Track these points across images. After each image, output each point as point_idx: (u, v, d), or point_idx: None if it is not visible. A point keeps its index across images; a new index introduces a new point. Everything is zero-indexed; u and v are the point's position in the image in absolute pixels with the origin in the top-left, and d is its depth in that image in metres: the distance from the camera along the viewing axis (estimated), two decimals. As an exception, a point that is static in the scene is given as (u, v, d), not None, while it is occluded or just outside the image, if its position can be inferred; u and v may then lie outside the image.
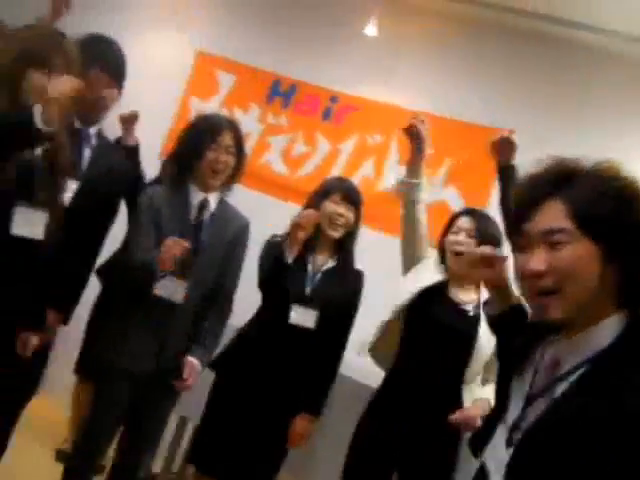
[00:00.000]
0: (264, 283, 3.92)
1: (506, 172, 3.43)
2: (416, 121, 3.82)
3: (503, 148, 3.46)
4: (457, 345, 3.76)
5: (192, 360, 3.72)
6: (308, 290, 3.93)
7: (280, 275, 3.84)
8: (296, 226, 3.78)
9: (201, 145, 3.69)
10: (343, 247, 4.05)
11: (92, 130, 3.63)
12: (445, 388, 3.75)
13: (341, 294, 3.98)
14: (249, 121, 5.79)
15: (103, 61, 3.58)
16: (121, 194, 3.94)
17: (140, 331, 3.63)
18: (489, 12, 5.27)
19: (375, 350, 4.00)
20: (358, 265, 4.12)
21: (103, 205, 3.77)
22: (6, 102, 2.83)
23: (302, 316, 3.87)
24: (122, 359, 3.61)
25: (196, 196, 3.75)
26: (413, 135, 3.84)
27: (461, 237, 3.83)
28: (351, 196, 4.02)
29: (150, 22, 6.32)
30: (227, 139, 3.75)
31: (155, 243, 3.57)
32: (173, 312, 3.65)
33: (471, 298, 3.84)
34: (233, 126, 3.84)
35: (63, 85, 2.76)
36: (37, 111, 2.69)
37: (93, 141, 3.59)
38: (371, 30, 5.60)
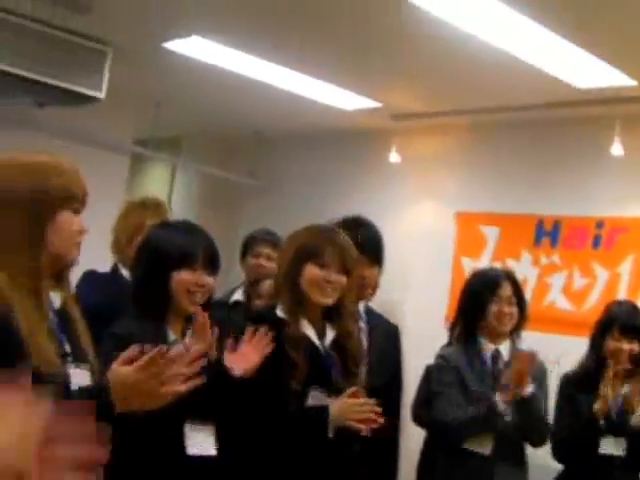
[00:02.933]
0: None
1: None
2: None
3: None
4: None
5: None
6: (614, 417, 4.04)
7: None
8: None
9: (483, 300, 3.97)
10: (636, 372, 4.13)
11: (361, 306, 3.93)
12: None
13: None
14: (523, 267, 6.06)
15: (361, 244, 3.88)
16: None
17: None
18: None
19: None
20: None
21: (392, 379, 4.04)
22: (291, 295, 3.19)
23: (614, 445, 4.01)
24: None
25: (487, 348, 4.02)
26: None
27: None
28: (630, 326, 4.14)
29: (408, 194, 6.84)
30: (507, 290, 4.01)
31: (463, 399, 3.90)
32: (487, 463, 3.87)
33: None
34: (510, 276, 4.10)
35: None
36: None
37: (364, 317, 3.87)
38: (617, 149, 5.76)
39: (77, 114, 6.03)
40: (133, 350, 2.19)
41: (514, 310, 4.01)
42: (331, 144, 7.27)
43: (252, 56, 5.52)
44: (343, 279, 3.21)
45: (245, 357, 2.93)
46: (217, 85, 6.21)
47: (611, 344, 4.11)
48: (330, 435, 3.06)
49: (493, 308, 3.97)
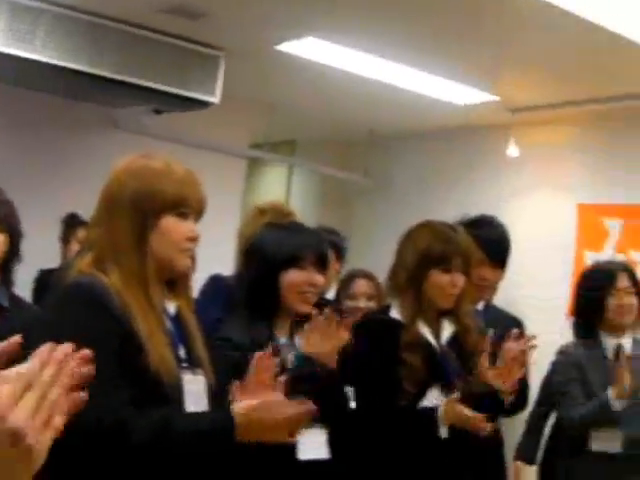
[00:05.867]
0: None
1: None
2: None
3: None
4: None
5: None
6: None
7: None
8: None
9: (600, 294, 3.99)
10: None
11: (480, 305, 4.00)
12: None
13: None
14: (647, 259, 6.03)
15: (488, 246, 3.93)
16: None
17: None
18: None
19: None
20: None
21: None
22: (412, 300, 3.24)
23: None
24: None
25: (609, 343, 4.02)
26: None
27: None
28: None
29: (527, 188, 6.88)
30: (624, 282, 4.01)
31: (584, 395, 3.92)
32: (617, 460, 3.87)
33: None
34: (626, 268, 4.11)
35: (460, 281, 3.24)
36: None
37: (482, 315, 3.88)
38: None
39: (193, 119, 6.25)
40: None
41: (634, 301, 4.00)
42: (445, 140, 7.35)
43: (365, 54, 5.60)
44: (464, 279, 3.27)
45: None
46: (331, 85, 6.33)
47: None
48: (444, 435, 3.10)
49: (611, 301, 3.98)
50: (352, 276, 4.80)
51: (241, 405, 2.19)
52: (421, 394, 3.14)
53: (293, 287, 2.89)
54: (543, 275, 6.44)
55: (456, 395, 3.07)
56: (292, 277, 2.89)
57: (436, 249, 3.23)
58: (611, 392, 3.76)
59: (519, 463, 4.73)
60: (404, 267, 3.29)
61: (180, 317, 2.35)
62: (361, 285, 4.65)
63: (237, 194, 7.13)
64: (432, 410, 3.10)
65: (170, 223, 2.25)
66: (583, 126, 6.68)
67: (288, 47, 5.62)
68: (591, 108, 6.33)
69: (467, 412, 3.04)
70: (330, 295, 4.88)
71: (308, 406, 2.24)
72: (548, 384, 4.40)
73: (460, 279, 3.24)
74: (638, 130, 6.31)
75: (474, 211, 4.20)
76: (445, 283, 3.21)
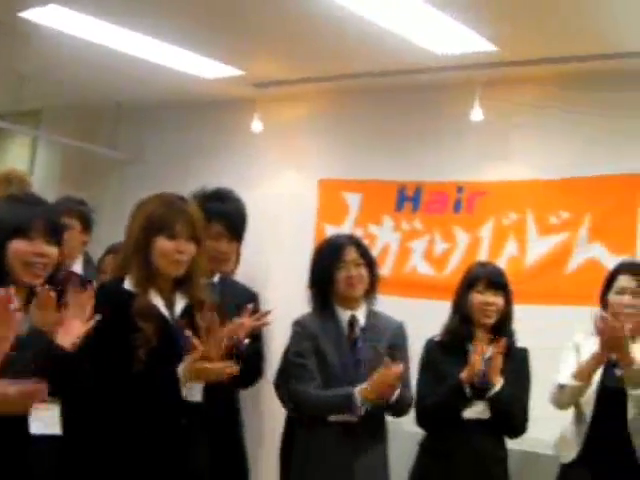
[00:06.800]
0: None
1: None
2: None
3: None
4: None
5: None
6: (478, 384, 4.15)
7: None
8: None
9: (329, 267, 4.11)
10: (501, 330, 4.27)
11: (215, 279, 4.04)
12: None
13: (509, 376, 4.18)
14: (385, 233, 6.34)
15: (225, 219, 4.01)
16: None
17: (328, 452, 4.01)
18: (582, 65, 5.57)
19: None
20: (520, 343, 4.36)
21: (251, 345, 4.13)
22: (140, 268, 3.27)
23: (477, 408, 4.19)
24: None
25: (343, 315, 4.14)
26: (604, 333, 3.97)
27: (626, 299, 4.12)
28: (495, 281, 4.30)
29: (271, 163, 7.02)
30: (351, 254, 4.13)
31: (318, 369, 4.04)
32: (354, 430, 3.99)
33: None
34: (354, 241, 4.25)
35: (188, 249, 3.29)
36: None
37: (218, 288, 3.92)
38: (477, 114, 6.00)
39: None
40: None
41: (362, 272, 4.09)
42: (192, 114, 7.38)
43: (111, 24, 5.55)
44: (192, 248, 3.31)
45: (70, 327, 2.93)
46: (76, 55, 6.20)
47: (476, 298, 4.23)
48: (197, 399, 3.23)
49: (340, 274, 4.07)
50: (108, 251, 4.80)
51: None
52: (152, 362, 3.17)
53: (18, 257, 2.88)
54: (286, 249, 6.60)
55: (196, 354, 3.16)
56: (17, 247, 2.88)
57: (157, 214, 3.28)
58: (358, 393, 3.87)
59: None
60: (132, 236, 3.33)
61: None
62: (110, 259, 4.64)
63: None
64: (171, 373, 3.18)
65: None
66: (326, 102, 6.85)
67: (32, 14, 5.47)
68: (334, 85, 6.52)
69: (207, 364, 3.16)
70: (77, 268, 4.85)
71: (37, 385, 2.22)
72: (287, 354, 4.52)
73: (186, 246, 3.29)
74: (379, 108, 6.57)
75: (224, 184, 4.26)
76: (169, 249, 3.26)
